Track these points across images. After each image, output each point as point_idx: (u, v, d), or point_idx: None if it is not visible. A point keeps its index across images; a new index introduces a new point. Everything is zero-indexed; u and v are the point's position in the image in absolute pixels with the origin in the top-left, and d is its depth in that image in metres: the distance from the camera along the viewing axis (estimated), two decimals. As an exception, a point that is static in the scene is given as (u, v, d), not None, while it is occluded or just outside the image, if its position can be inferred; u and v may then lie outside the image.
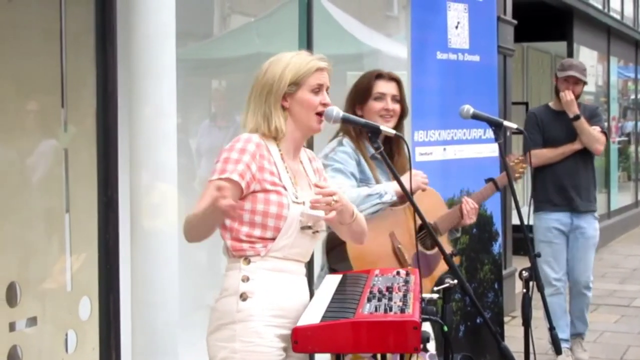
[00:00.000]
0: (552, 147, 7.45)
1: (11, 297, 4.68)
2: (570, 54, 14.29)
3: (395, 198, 4.48)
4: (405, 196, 4.17)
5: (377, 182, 4.51)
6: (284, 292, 3.50)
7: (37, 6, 4.89)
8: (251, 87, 3.62)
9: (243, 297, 3.42)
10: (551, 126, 7.50)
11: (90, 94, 4.63)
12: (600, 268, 12.43)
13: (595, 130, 7.43)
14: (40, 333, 4.81)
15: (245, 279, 3.43)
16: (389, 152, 4.57)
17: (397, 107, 4.65)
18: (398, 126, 4.68)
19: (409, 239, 4.47)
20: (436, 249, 4.62)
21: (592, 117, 7.54)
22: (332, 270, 4.30)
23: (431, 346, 4.65)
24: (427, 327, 3.81)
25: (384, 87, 4.66)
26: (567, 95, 7.37)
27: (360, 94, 4.69)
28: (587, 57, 16.13)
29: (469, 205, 4.76)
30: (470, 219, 4.77)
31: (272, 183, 3.47)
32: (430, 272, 4.63)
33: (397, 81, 4.72)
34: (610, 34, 16.61)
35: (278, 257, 3.50)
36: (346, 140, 4.56)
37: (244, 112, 3.63)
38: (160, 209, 4.74)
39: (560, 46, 14.87)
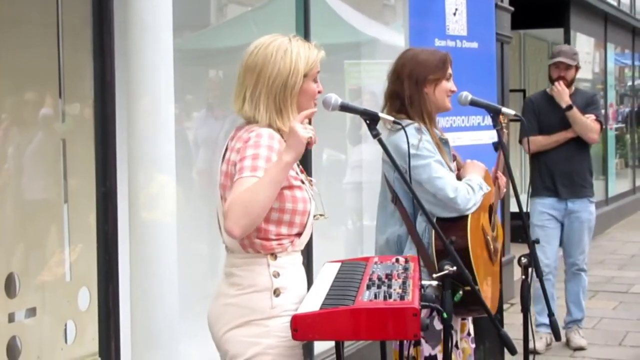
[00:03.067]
0: (547, 133, 7.47)
1: (10, 288, 4.68)
2: (567, 41, 14.28)
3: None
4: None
5: (448, 166, 4.47)
6: (304, 284, 3.52)
7: (34, -2, 4.89)
8: (248, 74, 3.49)
9: (277, 293, 3.40)
10: (546, 113, 7.53)
11: (87, 85, 4.63)
12: (598, 255, 12.45)
13: (590, 118, 7.44)
14: (39, 324, 4.81)
15: (277, 275, 3.41)
16: None
17: None
18: None
19: (484, 222, 4.54)
20: (495, 232, 4.64)
21: (589, 104, 7.56)
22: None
23: (472, 329, 4.67)
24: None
25: (450, 68, 4.60)
26: (558, 86, 7.41)
27: (437, 73, 4.51)
28: (584, 44, 16.12)
29: (503, 179, 4.78)
30: (504, 192, 4.84)
31: (294, 178, 3.45)
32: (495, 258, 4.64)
33: None
34: (607, 21, 16.61)
35: (297, 250, 3.50)
36: (423, 128, 4.45)
37: (247, 103, 3.49)
38: (158, 199, 4.74)
39: (557, 33, 14.85)
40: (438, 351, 4.30)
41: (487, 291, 4.31)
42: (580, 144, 7.54)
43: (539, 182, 7.56)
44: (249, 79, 3.49)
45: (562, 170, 7.51)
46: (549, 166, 7.51)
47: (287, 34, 3.56)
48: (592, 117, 7.47)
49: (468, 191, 4.32)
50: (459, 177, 4.48)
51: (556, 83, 7.45)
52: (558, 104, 7.43)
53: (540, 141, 7.42)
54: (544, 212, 7.56)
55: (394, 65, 4.58)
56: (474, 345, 4.63)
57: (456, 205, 4.30)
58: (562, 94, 7.40)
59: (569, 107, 7.36)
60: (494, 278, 4.51)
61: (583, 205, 7.62)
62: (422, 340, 4.28)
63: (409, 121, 4.40)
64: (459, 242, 4.16)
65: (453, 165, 4.54)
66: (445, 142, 4.55)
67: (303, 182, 3.49)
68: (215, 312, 3.50)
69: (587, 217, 7.66)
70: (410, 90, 4.47)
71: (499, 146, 4.61)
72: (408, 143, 3.82)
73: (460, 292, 3.96)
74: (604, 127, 8.00)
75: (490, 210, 4.65)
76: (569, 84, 7.51)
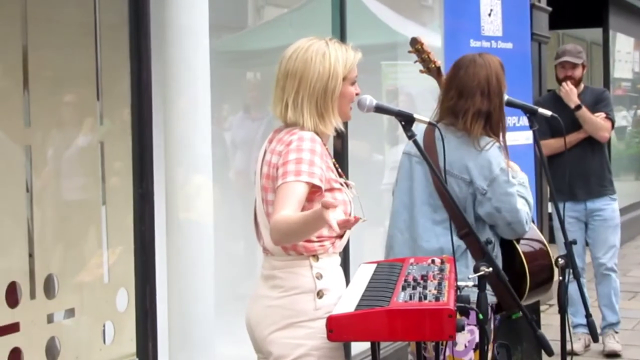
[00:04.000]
0: (559, 135, 7.39)
1: (49, 289, 4.73)
2: (606, 40, 14.20)
3: None
4: None
5: None
6: (344, 285, 3.53)
7: (72, 0, 4.93)
8: (289, 80, 3.48)
9: (320, 294, 3.41)
10: (557, 114, 7.45)
11: (125, 87, 4.66)
12: (638, 255, 12.35)
13: (600, 117, 7.37)
14: (78, 324, 4.86)
15: (320, 277, 3.42)
16: None
17: None
18: None
19: None
20: None
21: (598, 102, 7.48)
22: None
23: None
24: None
25: None
26: (566, 87, 7.35)
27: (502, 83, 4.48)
28: (623, 43, 16.01)
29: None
30: None
31: (335, 181, 3.46)
32: None
33: None
34: (646, 20, 16.49)
35: (336, 252, 3.51)
36: (501, 147, 4.40)
37: (291, 109, 3.46)
38: (195, 200, 4.76)
39: (596, 33, 14.77)
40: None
41: None
42: (593, 143, 7.45)
43: (555, 185, 7.47)
44: (289, 84, 3.48)
45: (578, 172, 7.40)
46: (563, 168, 7.42)
47: (323, 37, 3.56)
48: (602, 115, 7.39)
49: (530, 218, 4.40)
50: None
51: (564, 83, 7.38)
52: (567, 105, 7.36)
53: (552, 144, 7.31)
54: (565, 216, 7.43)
55: (475, 79, 4.43)
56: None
57: (523, 235, 4.42)
58: (570, 94, 7.33)
59: (578, 107, 7.30)
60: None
61: (604, 203, 7.53)
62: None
63: (490, 139, 4.37)
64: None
65: None
66: None
67: (342, 185, 3.49)
68: (258, 314, 3.49)
69: (610, 214, 7.55)
70: (494, 106, 4.41)
71: (535, 148, 4.60)
72: (442, 138, 3.77)
73: (520, 313, 3.96)
74: (615, 123, 7.89)
75: None
76: (577, 83, 7.45)
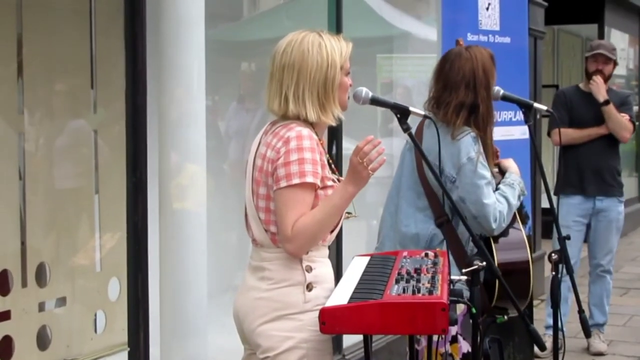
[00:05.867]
0: (578, 126, 7.38)
1: (41, 277, 4.71)
2: (601, 36, 14.20)
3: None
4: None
5: (493, 175, 4.48)
6: (333, 278, 3.53)
7: (67, -13, 4.91)
8: (287, 73, 3.45)
9: (309, 287, 3.41)
10: (579, 107, 7.44)
11: (119, 76, 4.65)
12: (630, 252, 12.38)
13: (624, 117, 7.36)
14: (69, 313, 4.85)
15: (309, 269, 3.42)
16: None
17: None
18: None
19: None
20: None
21: (622, 104, 7.45)
22: None
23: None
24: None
25: None
26: (597, 80, 7.31)
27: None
28: (618, 40, 16.01)
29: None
30: None
31: (329, 178, 3.46)
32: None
33: None
34: (642, 17, 16.51)
35: (326, 245, 3.51)
36: (476, 138, 4.42)
37: (292, 102, 3.45)
38: (189, 190, 4.75)
39: (591, 29, 14.78)
40: None
41: None
42: (611, 141, 7.43)
43: (565, 178, 7.47)
44: (288, 77, 3.46)
45: (592, 166, 7.40)
46: (578, 161, 7.40)
47: (314, 29, 3.55)
48: (627, 116, 7.38)
49: (503, 218, 4.35)
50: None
51: (594, 77, 7.34)
52: (592, 100, 7.32)
53: (570, 134, 7.32)
54: (570, 213, 7.41)
55: (460, 73, 4.46)
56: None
57: (491, 233, 4.38)
58: (600, 88, 7.30)
59: (606, 102, 7.27)
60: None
61: (612, 204, 7.49)
62: (460, 337, 4.28)
63: (466, 129, 4.39)
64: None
65: (495, 171, 4.58)
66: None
67: (334, 182, 3.49)
68: (246, 305, 3.48)
69: (615, 216, 7.52)
70: (481, 98, 4.45)
71: (531, 142, 4.60)
72: (437, 131, 3.77)
73: (505, 317, 3.96)
74: (636, 128, 7.90)
75: None
76: (606, 80, 7.42)
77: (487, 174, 4.34)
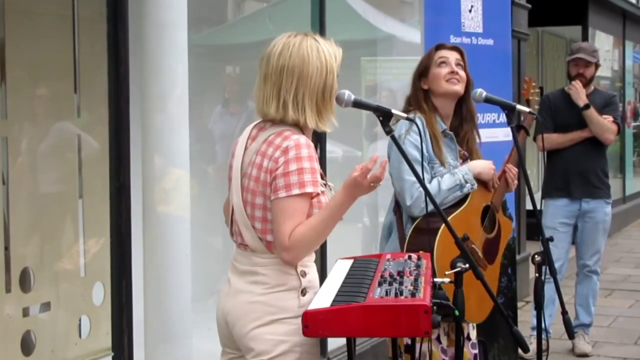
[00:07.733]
0: (563, 132, 7.40)
1: (25, 282, 4.69)
2: (585, 38, 14.23)
3: (475, 187, 4.58)
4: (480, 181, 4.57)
5: (442, 163, 4.52)
6: (318, 281, 3.55)
7: (50, -8, 4.90)
8: (286, 77, 3.42)
9: (304, 292, 3.43)
10: (563, 111, 7.45)
11: (102, 80, 4.64)
12: (614, 253, 12.42)
13: (607, 119, 7.36)
14: (53, 318, 4.83)
15: (304, 274, 3.44)
16: (457, 133, 4.72)
17: (462, 72, 4.67)
18: (465, 95, 4.70)
19: (473, 224, 4.61)
20: (496, 231, 4.66)
21: (607, 105, 7.46)
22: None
23: (473, 335, 4.66)
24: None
25: (446, 53, 4.69)
26: (576, 85, 7.33)
27: (423, 65, 4.70)
28: (602, 41, 16.06)
29: (512, 172, 4.78)
30: (515, 184, 4.84)
31: (323, 185, 3.47)
32: (493, 259, 4.69)
33: (459, 51, 4.76)
34: (625, 18, 16.54)
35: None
36: (418, 116, 4.55)
37: (292, 108, 3.43)
38: (173, 194, 4.75)
39: (575, 30, 14.82)
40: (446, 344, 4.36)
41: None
42: (596, 144, 7.43)
43: (551, 182, 7.49)
44: (287, 82, 3.43)
45: (577, 170, 7.41)
46: (563, 165, 7.41)
47: (303, 31, 3.54)
48: (610, 118, 7.38)
49: (422, 199, 4.30)
50: None
51: (574, 82, 7.37)
52: (575, 103, 7.36)
53: (554, 139, 7.35)
54: (557, 215, 7.44)
55: None
56: (474, 351, 4.61)
57: (408, 210, 4.50)
58: (579, 93, 7.32)
59: (587, 107, 7.28)
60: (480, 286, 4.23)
61: (598, 205, 7.50)
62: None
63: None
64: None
65: (459, 162, 4.59)
66: (451, 138, 4.60)
67: (324, 186, 3.49)
68: (238, 309, 3.47)
69: (602, 217, 7.53)
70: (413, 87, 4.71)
71: (514, 144, 4.61)
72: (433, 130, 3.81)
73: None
74: (621, 129, 7.92)
75: (486, 211, 4.66)
76: (588, 82, 7.42)
77: (415, 153, 4.38)
